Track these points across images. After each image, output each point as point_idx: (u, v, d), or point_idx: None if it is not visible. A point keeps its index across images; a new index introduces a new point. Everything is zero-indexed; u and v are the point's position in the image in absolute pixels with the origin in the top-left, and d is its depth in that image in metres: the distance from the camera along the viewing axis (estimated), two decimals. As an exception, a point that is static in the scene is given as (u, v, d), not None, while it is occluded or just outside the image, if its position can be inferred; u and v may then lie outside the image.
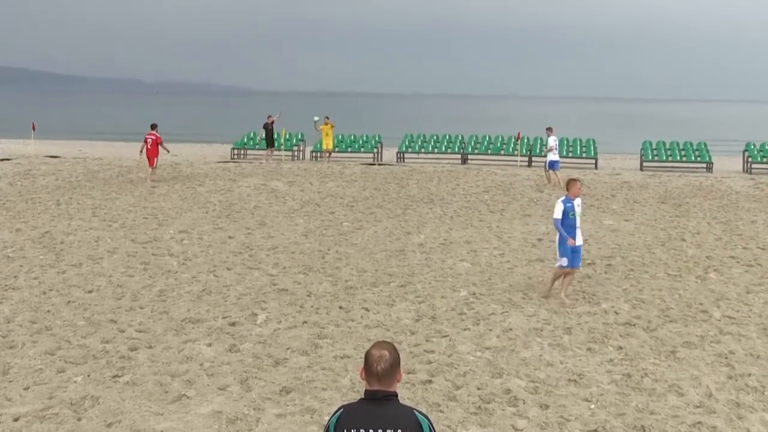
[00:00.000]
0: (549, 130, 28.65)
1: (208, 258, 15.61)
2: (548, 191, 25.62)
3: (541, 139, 36.51)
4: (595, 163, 34.67)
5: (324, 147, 34.90)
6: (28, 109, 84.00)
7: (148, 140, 26.58)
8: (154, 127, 27.20)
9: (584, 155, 35.55)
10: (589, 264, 15.34)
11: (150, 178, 26.39)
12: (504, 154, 36.05)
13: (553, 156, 27.39)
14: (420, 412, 4.36)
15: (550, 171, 27.30)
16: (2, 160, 33.21)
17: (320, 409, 8.39)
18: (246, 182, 26.90)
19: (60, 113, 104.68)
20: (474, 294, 13.14)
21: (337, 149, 36.64)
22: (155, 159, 26.70)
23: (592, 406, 8.62)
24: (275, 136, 35.05)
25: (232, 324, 11.40)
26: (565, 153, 35.58)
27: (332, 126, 34.70)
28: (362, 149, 37.19)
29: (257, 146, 36.60)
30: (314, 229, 18.71)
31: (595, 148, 35.68)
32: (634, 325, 11.57)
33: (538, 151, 35.67)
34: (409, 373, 9.23)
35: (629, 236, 18.49)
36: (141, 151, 26.97)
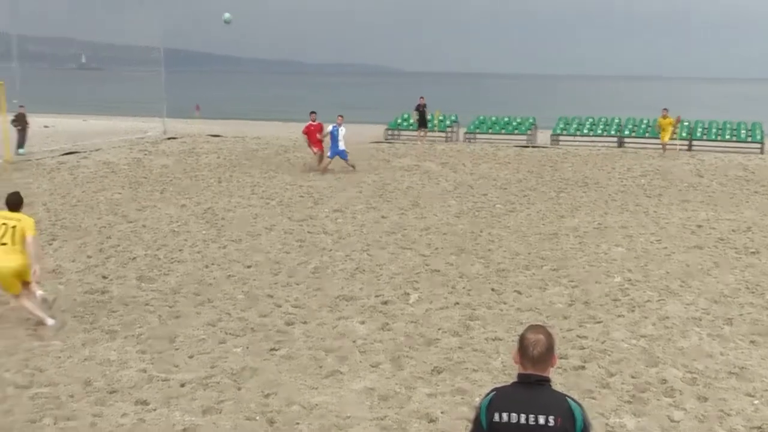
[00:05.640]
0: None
1: (362, 237, 15.86)
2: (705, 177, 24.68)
3: (702, 123, 35.23)
4: (761, 148, 33.07)
5: (662, 139, 31.65)
6: (191, 89, 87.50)
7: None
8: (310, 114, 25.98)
9: (749, 140, 33.98)
10: (753, 253, 14.71)
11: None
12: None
13: None
14: (573, 399, 4.31)
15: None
16: (169, 138, 34.75)
17: (471, 391, 8.41)
18: (399, 163, 27.14)
19: (219, 93, 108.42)
20: (629, 280, 12.82)
21: (487, 131, 36.45)
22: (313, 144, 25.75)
23: (756, 402, 8.27)
24: (428, 117, 35.18)
25: (385, 303, 11.56)
26: (728, 137, 34.18)
27: (673, 120, 31.55)
28: (516, 131, 36.84)
29: (411, 127, 36.81)
30: (467, 211, 18.70)
31: (761, 132, 34.04)
32: (802, 318, 11.01)
33: (698, 134, 34.43)
34: (561, 358, 9.12)
35: (797, 225, 17.59)
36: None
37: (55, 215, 17.61)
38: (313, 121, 25.86)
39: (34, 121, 30.62)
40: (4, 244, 10.10)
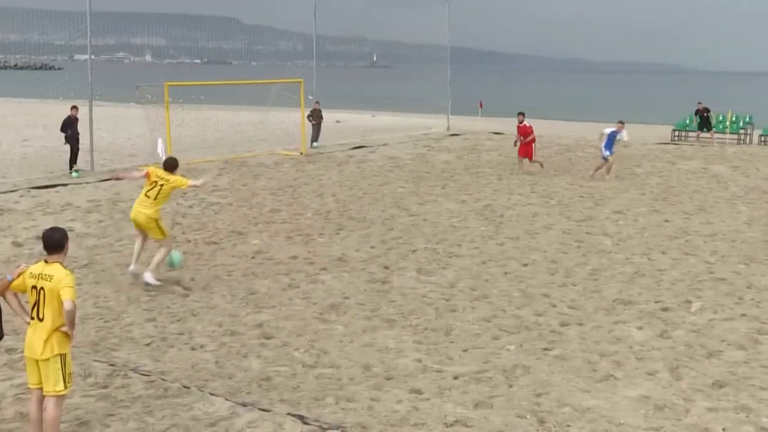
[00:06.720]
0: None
1: (643, 240, 15.38)
2: None
3: None
4: None
5: None
6: (476, 87, 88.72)
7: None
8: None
9: None
10: None
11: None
12: None
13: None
14: None
15: None
16: (452, 135, 35.46)
17: (757, 410, 7.91)
18: (685, 165, 26.01)
19: (503, 91, 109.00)
20: None
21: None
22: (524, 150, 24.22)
23: None
24: (719, 118, 33.40)
25: (665, 309, 11.15)
26: None
27: None
28: (819, 134, 34.05)
29: (700, 129, 35.07)
30: (758, 218, 17.58)
31: None
32: None
33: None
34: None
35: None
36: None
37: (342, 206, 18.54)
38: (521, 122, 24.21)
39: (328, 117, 32.34)
40: (147, 197, 11.88)
